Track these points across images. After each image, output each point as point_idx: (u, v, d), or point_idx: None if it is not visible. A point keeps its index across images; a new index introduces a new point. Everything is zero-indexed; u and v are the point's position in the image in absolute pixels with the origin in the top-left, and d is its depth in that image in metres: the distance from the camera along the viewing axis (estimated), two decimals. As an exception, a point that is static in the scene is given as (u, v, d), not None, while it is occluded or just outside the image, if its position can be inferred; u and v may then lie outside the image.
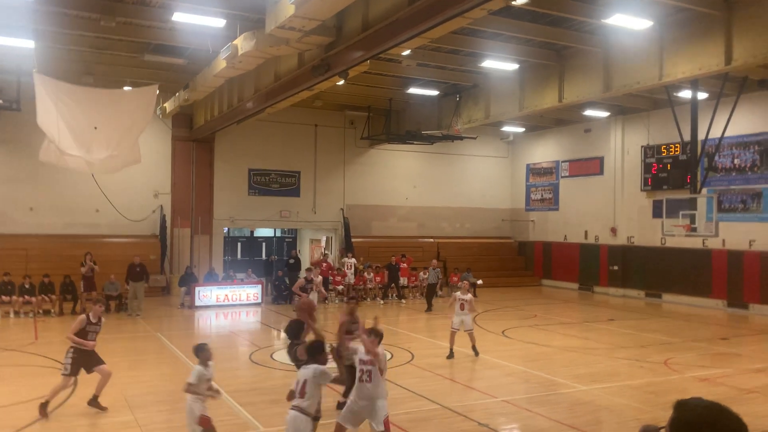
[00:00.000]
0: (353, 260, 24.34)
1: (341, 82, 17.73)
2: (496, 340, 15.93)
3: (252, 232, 31.79)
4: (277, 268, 24.07)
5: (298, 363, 6.97)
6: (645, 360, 13.49)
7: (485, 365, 13.22)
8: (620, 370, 12.75)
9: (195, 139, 25.26)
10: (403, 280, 24.27)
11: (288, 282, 23.19)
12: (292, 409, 6.43)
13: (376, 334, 7.31)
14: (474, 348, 13.47)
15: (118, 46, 18.32)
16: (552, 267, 29.40)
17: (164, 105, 22.21)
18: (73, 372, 9.29)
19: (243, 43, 13.71)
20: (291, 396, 6.51)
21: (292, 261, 24.17)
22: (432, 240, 29.46)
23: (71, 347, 9.37)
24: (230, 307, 21.30)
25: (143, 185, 24.17)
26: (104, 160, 14.02)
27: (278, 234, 32.64)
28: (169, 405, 9.92)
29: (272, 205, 26.55)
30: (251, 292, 22.21)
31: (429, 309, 21.07)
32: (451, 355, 13.31)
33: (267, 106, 19.46)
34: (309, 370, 6.53)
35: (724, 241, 21.18)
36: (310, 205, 27.32)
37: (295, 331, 7.29)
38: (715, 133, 19.35)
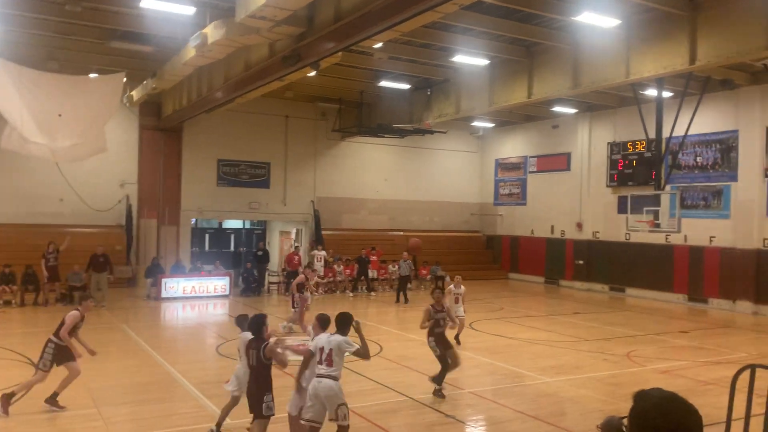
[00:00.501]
0: (323, 252, 24.31)
1: (313, 74, 17.67)
2: (463, 332, 16.07)
3: (221, 224, 31.47)
4: (245, 260, 23.93)
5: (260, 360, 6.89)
6: (608, 352, 13.79)
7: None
8: (584, 362, 13.01)
9: (163, 128, 24.89)
10: (372, 273, 24.34)
11: (256, 274, 23.07)
12: (321, 377, 6.75)
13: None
14: (457, 337, 13.71)
15: (83, 32, 17.90)
16: (519, 261, 29.79)
17: (131, 93, 21.80)
18: (51, 367, 8.80)
19: (213, 32, 13.54)
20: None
21: (260, 253, 24.03)
22: (402, 233, 29.55)
23: (52, 342, 8.83)
24: (197, 299, 21.09)
25: (109, 174, 23.73)
26: (69, 148, 13.76)
27: (247, 226, 32.36)
28: (132, 397, 9.82)
29: (241, 197, 26.33)
30: (219, 284, 22.02)
31: (404, 301, 21.17)
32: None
33: (237, 95, 19.27)
34: (335, 339, 6.92)
35: (686, 236, 21.71)
36: (280, 196, 27.18)
37: (257, 326, 6.94)
38: (679, 131, 19.78)
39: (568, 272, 27.05)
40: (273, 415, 6.89)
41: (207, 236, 31.47)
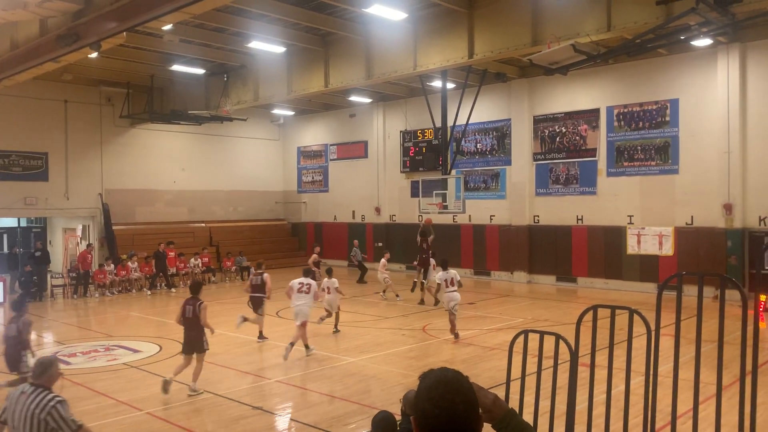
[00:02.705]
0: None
1: (94, 55, 16.19)
2: (270, 321, 16.02)
3: (-11, 223, 27.75)
4: (23, 262, 21.36)
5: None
6: (406, 328, 14.69)
7: (259, 348, 13.26)
8: (385, 339, 13.70)
9: None
10: (172, 269, 23.14)
11: (36, 278, 20.73)
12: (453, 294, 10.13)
13: None
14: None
15: None
16: (323, 246, 30.28)
17: None
18: None
19: (-34, 4, 11.79)
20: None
21: (37, 254, 21.67)
22: (204, 225, 28.51)
23: None
24: (-38, 310, 18.41)
25: None
26: None
27: (24, 224, 28.92)
28: None
29: (14, 191, 23.33)
30: (-10, 291, 19.43)
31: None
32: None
33: (3, 77, 16.98)
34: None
35: (470, 216, 23.81)
36: (62, 190, 24.58)
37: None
38: (462, 120, 21.52)
39: (368, 254, 28.12)
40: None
41: (-28, 237, 27.61)
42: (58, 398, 4.74)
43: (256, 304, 13.63)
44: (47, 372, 4.87)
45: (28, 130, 23.67)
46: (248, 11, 16.53)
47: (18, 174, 23.54)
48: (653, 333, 5.22)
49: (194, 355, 9.91)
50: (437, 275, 14.33)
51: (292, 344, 11.75)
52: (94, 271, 21.69)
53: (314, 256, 21.14)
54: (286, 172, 32.28)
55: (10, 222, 28.15)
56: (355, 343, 13.26)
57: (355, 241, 25.38)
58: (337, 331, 14.33)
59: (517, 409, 2.35)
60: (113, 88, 25.14)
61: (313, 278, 12.79)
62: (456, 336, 13.37)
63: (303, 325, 12.06)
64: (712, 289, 16.41)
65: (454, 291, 13.51)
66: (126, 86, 24.82)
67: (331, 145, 30.08)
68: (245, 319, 13.28)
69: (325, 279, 14.33)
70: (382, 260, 19.68)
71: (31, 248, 24.67)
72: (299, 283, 12.42)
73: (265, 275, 13.67)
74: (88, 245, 23.17)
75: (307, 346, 12.22)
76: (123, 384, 10.47)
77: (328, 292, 14.03)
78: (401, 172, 26.85)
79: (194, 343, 9.90)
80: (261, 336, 13.62)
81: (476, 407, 1.95)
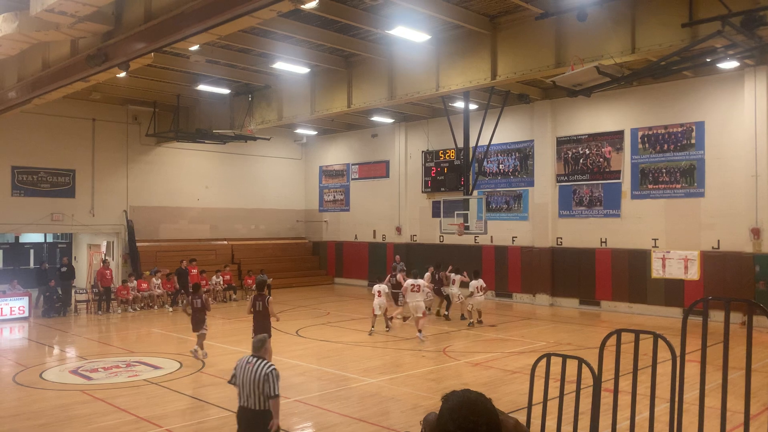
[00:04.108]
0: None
1: (122, 75, 16.54)
2: (290, 340, 16.05)
3: (17, 238, 28.27)
4: (50, 277, 21.67)
5: None
6: (426, 349, 14.56)
7: (279, 367, 13.20)
8: (404, 360, 13.60)
9: (-59, 131, 21.75)
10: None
11: (61, 292, 21.01)
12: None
13: None
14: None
15: None
16: (344, 265, 30.39)
17: None
18: None
19: (3, 25, 12.14)
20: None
21: (64, 269, 21.94)
22: (226, 242, 28.73)
23: None
24: (-11, 323, 18.72)
25: None
26: None
27: (50, 239, 29.41)
28: None
29: (42, 207, 23.77)
30: (16, 305, 19.74)
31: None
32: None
33: (34, 96, 17.37)
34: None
35: (492, 237, 23.67)
36: (88, 206, 25.00)
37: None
38: (484, 140, 21.50)
39: (389, 274, 28.08)
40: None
41: (1, 252, 28.12)
42: (272, 366, 6.34)
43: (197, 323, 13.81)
44: (264, 347, 6.51)
45: (56, 147, 24.17)
46: (273, 32, 16.77)
47: (46, 190, 24.01)
48: (678, 359, 5.11)
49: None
50: (407, 281, 16.68)
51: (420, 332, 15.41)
52: (117, 287, 21.92)
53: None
54: (307, 191, 32.48)
55: (36, 237, 28.66)
56: (374, 364, 13.18)
57: (397, 257, 25.11)
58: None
59: (538, 435, 2.33)
60: (140, 107, 25.63)
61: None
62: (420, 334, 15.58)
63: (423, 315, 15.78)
64: (740, 315, 16.07)
65: (419, 300, 15.94)
66: (152, 105, 25.28)
67: (353, 164, 30.23)
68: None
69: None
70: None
71: (56, 263, 25.03)
72: (411, 285, 16.17)
73: (204, 296, 14.24)
74: (104, 261, 23.36)
75: (419, 331, 15.56)
76: (143, 400, 10.51)
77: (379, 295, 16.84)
78: (422, 192, 26.85)
79: (263, 330, 11.41)
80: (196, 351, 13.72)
81: (499, 430, 1.93)
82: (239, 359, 6.55)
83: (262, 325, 12.04)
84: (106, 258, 24.83)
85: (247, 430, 6.40)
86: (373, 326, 16.83)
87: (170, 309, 22.08)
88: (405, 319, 18.21)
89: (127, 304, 21.66)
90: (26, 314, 19.78)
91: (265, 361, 6.40)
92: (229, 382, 6.60)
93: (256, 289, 13.05)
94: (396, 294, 19.34)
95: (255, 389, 6.22)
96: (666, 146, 20.08)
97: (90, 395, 10.75)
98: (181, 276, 22.51)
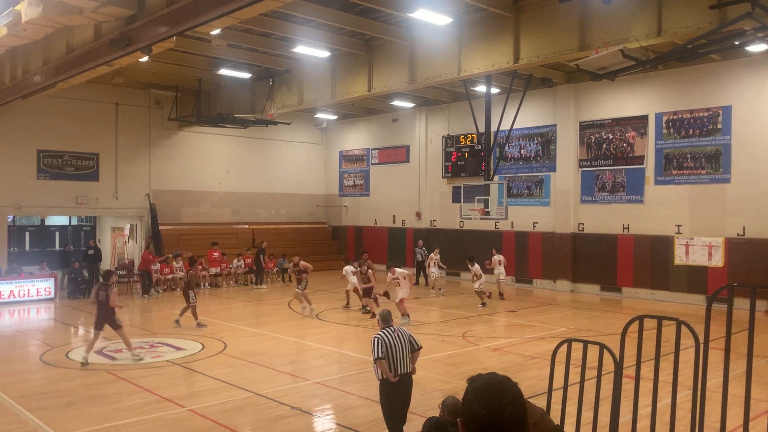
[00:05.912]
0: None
1: (145, 59, 16.56)
2: (310, 323, 16.18)
3: (43, 221, 28.74)
4: (74, 259, 22.04)
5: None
6: (445, 334, 14.59)
7: (300, 349, 13.38)
8: (424, 344, 13.53)
9: (-32, 115, 22.11)
10: (215, 270, 23.54)
11: (86, 274, 21.38)
12: None
13: None
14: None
15: None
16: (363, 250, 30.40)
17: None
18: None
19: (28, 9, 12.25)
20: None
21: (91, 252, 22.30)
22: (247, 226, 28.94)
23: None
24: (17, 304, 19.15)
25: None
26: None
27: (74, 222, 29.87)
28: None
29: (67, 191, 24.14)
30: (42, 286, 20.14)
31: (435, 289, 22.21)
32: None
33: (58, 80, 17.57)
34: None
35: (512, 223, 23.54)
36: (111, 190, 25.32)
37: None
38: (506, 125, 21.31)
39: (408, 259, 28.09)
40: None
41: (27, 235, 28.62)
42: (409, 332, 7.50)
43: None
44: (391, 318, 7.61)
45: (80, 131, 24.46)
46: (294, 16, 16.74)
47: (70, 174, 24.34)
48: (701, 346, 5.06)
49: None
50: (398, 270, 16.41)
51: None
52: (160, 266, 22.18)
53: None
54: (327, 176, 32.54)
55: (62, 220, 29.13)
56: (393, 348, 13.22)
57: (420, 242, 25.17)
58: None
59: (558, 420, 2.32)
60: (162, 91, 25.79)
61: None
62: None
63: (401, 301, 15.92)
64: (765, 302, 15.85)
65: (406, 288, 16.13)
66: (175, 89, 25.44)
67: (373, 149, 30.19)
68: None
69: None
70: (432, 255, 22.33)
71: (81, 246, 25.43)
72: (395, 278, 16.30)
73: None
74: (148, 247, 23.27)
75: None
76: (166, 381, 10.70)
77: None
78: (443, 177, 26.74)
79: (105, 319, 11.91)
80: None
81: (524, 411, 1.94)
82: (386, 336, 7.13)
83: (104, 315, 11.95)
84: (150, 245, 24.63)
85: (407, 393, 7.33)
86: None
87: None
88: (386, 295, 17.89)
89: (159, 285, 22.00)
90: (52, 295, 20.16)
91: (402, 330, 7.45)
92: (379, 358, 7.09)
93: (102, 279, 12.71)
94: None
95: (408, 348, 7.27)
96: (691, 131, 19.74)
97: (114, 375, 10.97)
98: (258, 257, 23.97)
